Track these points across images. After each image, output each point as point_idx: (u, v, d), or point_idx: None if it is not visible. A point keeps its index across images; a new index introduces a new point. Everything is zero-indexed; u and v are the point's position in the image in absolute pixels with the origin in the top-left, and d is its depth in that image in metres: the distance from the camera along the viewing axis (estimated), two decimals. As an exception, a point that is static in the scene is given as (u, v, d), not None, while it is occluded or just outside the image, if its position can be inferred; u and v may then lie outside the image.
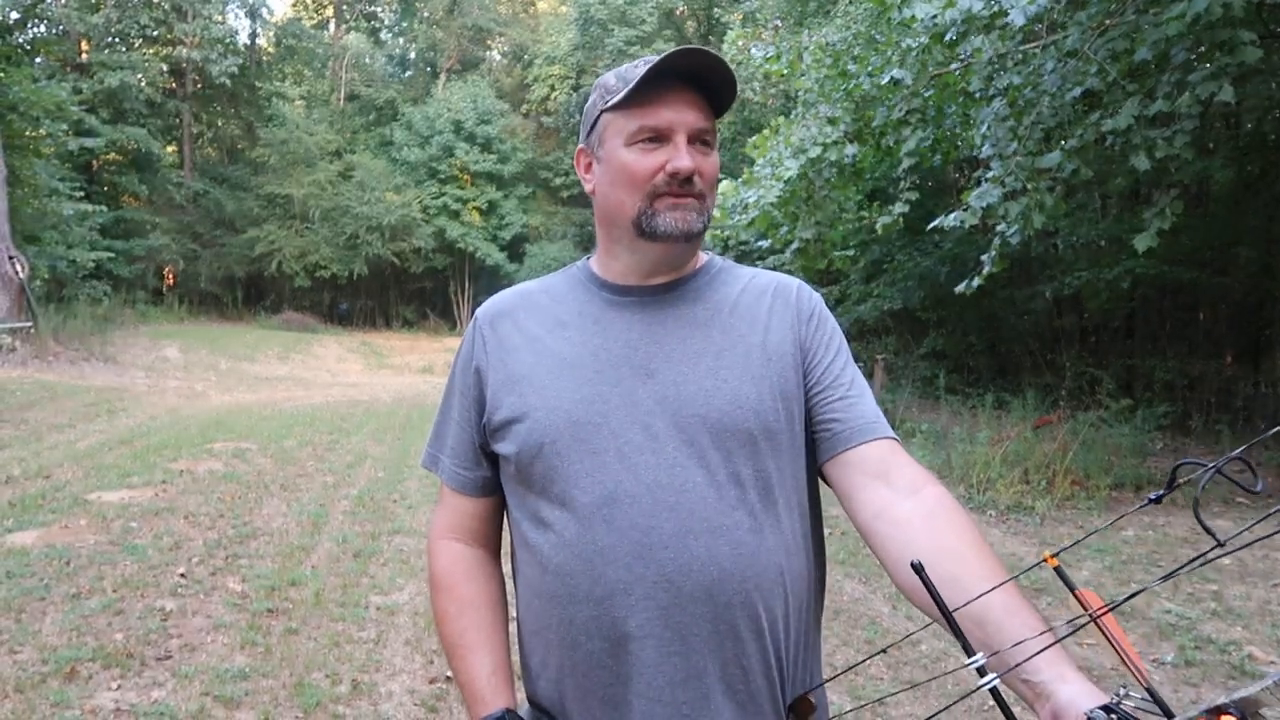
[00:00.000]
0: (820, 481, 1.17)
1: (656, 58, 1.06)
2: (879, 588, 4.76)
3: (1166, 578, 0.67)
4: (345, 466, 7.72)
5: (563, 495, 1.06)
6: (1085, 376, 11.12)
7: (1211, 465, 0.62)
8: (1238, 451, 0.63)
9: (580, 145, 1.18)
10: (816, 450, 1.14)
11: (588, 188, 1.17)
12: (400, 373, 21.25)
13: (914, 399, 11.70)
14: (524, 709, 1.15)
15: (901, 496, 1.04)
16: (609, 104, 1.09)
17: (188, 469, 7.15)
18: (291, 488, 6.76)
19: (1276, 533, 0.60)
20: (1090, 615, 0.74)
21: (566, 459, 1.05)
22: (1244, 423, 9.40)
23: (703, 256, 1.21)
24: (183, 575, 4.54)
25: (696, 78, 1.07)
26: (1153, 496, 0.70)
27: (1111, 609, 0.73)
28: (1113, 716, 0.68)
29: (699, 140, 1.09)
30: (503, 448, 1.12)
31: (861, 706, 3.23)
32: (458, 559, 1.21)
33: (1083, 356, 12.16)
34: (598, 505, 1.03)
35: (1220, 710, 0.58)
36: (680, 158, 1.06)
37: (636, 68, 1.08)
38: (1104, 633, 0.74)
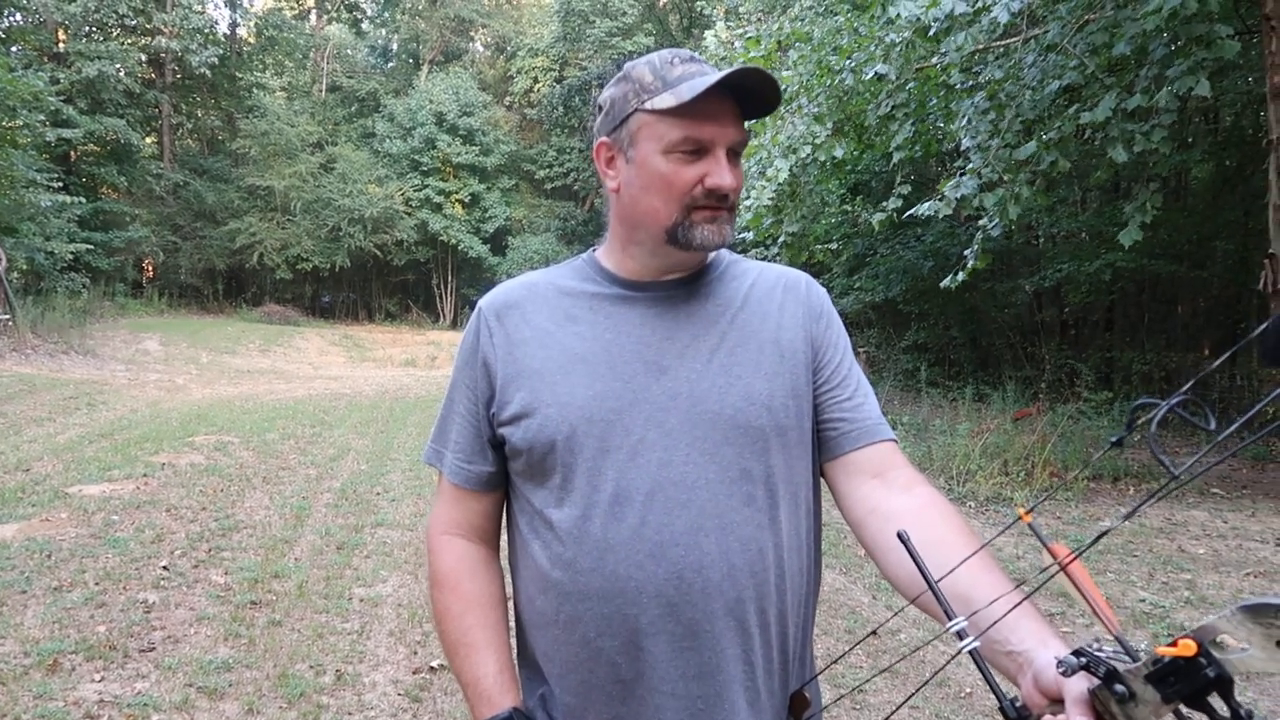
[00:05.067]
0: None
1: (706, 67, 1.05)
2: (859, 578, 4.80)
3: (1129, 515, 0.71)
4: (328, 459, 7.70)
5: (574, 491, 1.05)
6: (1065, 369, 11.26)
7: (1165, 403, 0.67)
8: (1187, 387, 0.67)
9: (602, 138, 1.12)
10: (820, 448, 1.15)
11: (610, 184, 1.12)
12: (383, 366, 21.15)
13: (896, 391, 11.79)
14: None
15: (895, 493, 1.07)
16: (648, 105, 1.05)
17: (169, 462, 7.11)
18: (274, 481, 6.74)
19: (1224, 460, 0.65)
20: (1059, 564, 0.77)
21: (579, 455, 1.05)
22: (1220, 415, 9.53)
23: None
24: (165, 568, 4.52)
25: (737, 86, 1.04)
26: (1114, 439, 0.75)
27: (1079, 555, 0.76)
28: (1083, 659, 0.71)
29: (733, 152, 1.07)
30: (512, 442, 1.10)
31: (841, 697, 3.27)
32: (461, 556, 1.18)
33: (1062, 349, 12.30)
34: (609, 502, 1.03)
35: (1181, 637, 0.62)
36: (722, 174, 1.04)
37: (675, 67, 1.05)
38: (1073, 581, 0.77)
